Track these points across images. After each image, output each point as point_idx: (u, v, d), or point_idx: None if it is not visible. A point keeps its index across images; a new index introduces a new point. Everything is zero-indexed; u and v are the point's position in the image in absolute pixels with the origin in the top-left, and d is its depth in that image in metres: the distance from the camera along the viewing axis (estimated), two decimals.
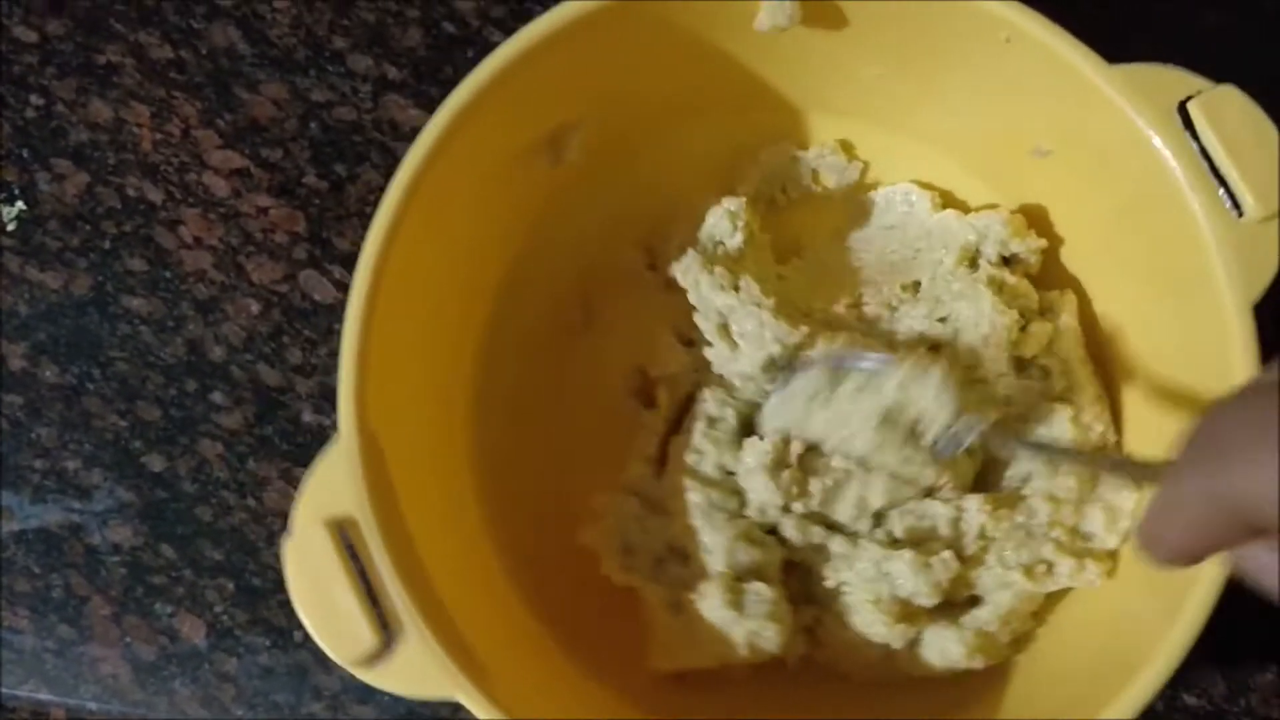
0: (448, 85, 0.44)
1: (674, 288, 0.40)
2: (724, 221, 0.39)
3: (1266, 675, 0.40)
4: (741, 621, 0.35)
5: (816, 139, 0.41)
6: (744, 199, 0.39)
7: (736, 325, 0.38)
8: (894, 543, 0.37)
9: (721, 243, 0.39)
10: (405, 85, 0.45)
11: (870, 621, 0.36)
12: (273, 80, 0.45)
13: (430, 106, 0.44)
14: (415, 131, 0.44)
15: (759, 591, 0.36)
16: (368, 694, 0.42)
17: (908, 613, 0.36)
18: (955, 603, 0.37)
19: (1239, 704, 0.40)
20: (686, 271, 0.39)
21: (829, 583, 0.37)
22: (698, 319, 0.39)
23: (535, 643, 0.37)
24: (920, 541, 0.37)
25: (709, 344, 0.39)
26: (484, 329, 0.39)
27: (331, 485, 0.32)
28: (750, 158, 0.41)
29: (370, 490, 0.32)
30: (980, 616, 0.37)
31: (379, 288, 0.33)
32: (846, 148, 0.41)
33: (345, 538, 0.32)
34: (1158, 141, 0.32)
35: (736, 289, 0.38)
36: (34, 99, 0.46)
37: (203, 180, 0.45)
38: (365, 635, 0.31)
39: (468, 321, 0.39)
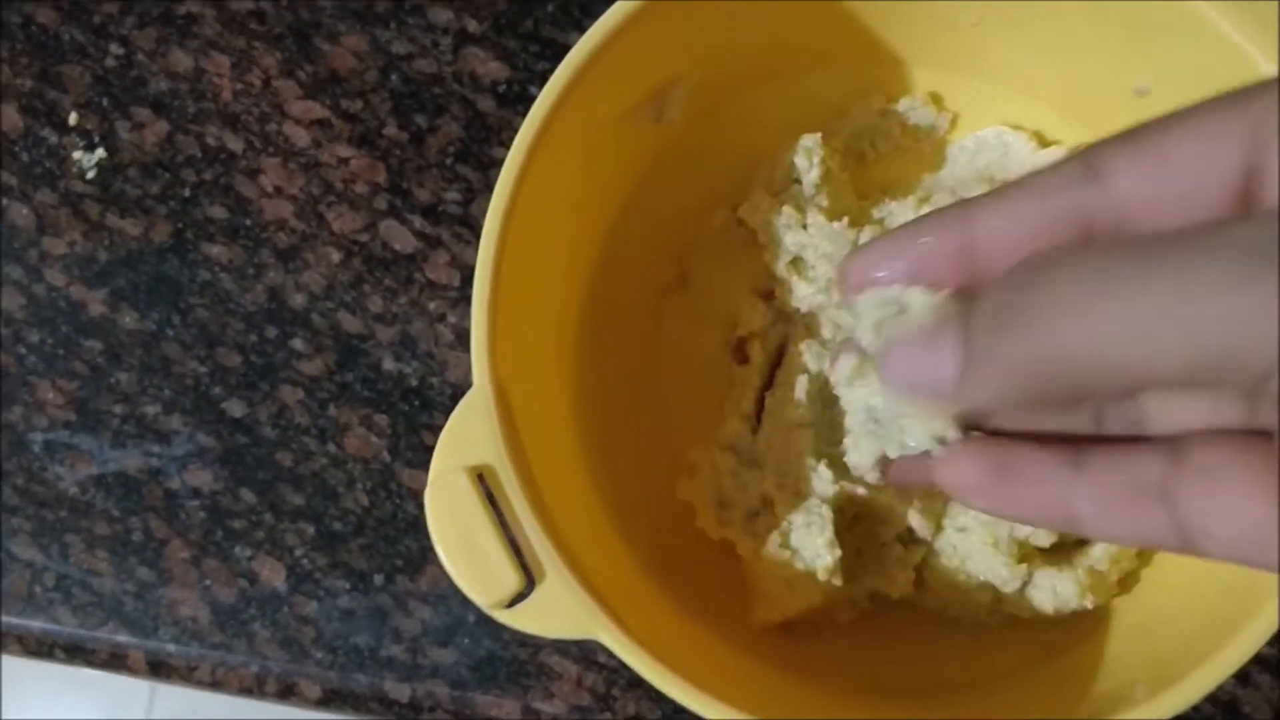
0: (527, 39, 0.45)
1: (755, 243, 0.41)
2: (800, 158, 0.39)
3: None
4: (830, 550, 0.36)
5: (907, 91, 0.41)
6: (819, 134, 0.40)
7: (809, 257, 0.39)
8: None
9: (798, 180, 0.40)
10: (485, 38, 0.45)
11: (990, 564, 0.36)
12: (353, 32, 0.45)
13: (510, 60, 0.45)
14: (495, 85, 0.45)
15: (823, 513, 0.36)
16: (447, 637, 0.42)
17: (1024, 554, 0.37)
18: (1065, 543, 0.38)
19: None
20: (754, 210, 0.40)
21: (945, 527, 0.37)
22: (768, 259, 0.40)
23: (645, 591, 0.37)
24: None
25: (786, 287, 0.40)
26: (587, 288, 0.40)
27: (465, 436, 0.33)
28: (841, 113, 0.41)
29: (505, 434, 0.33)
30: (1092, 554, 0.37)
31: (504, 246, 0.34)
32: (936, 100, 0.41)
33: (482, 485, 0.33)
34: (1271, 70, 0.32)
35: (805, 227, 0.39)
36: (114, 48, 0.46)
37: (283, 130, 0.45)
38: (508, 578, 0.32)
39: (573, 280, 0.39)
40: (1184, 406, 0.23)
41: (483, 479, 0.34)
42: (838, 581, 0.36)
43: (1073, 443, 0.23)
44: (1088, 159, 0.22)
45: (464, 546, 0.33)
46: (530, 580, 0.33)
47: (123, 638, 0.44)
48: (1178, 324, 0.18)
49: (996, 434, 0.25)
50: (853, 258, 0.25)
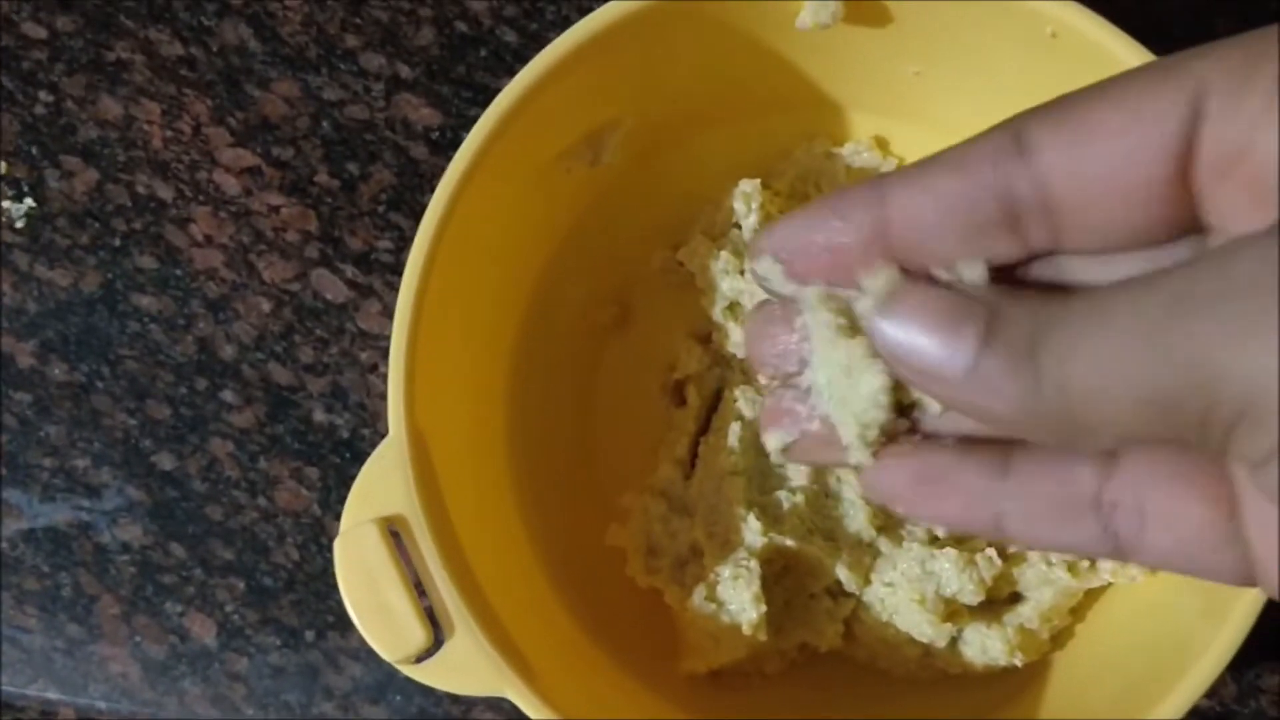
0: (460, 84, 0.45)
1: (694, 285, 0.40)
2: (739, 203, 0.39)
3: (1276, 677, 0.41)
4: (755, 605, 0.35)
5: (851, 136, 0.41)
6: (758, 180, 0.39)
7: (746, 302, 0.39)
8: (934, 541, 0.37)
9: (737, 225, 0.39)
10: (418, 84, 0.45)
11: (916, 621, 0.36)
12: (284, 78, 0.45)
13: (443, 106, 0.44)
14: (428, 131, 0.44)
15: (750, 566, 0.36)
16: (379, 694, 0.42)
17: (951, 611, 0.36)
18: (996, 600, 0.37)
19: (1249, 706, 0.41)
20: (693, 254, 0.40)
21: (873, 581, 0.37)
22: (705, 304, 0.39)
23: (572, 641, 0.37)
24: (962, 541, 0.37)
25: (723, 332, 0.39)
26: (520, 329, 0.39)
27: (380, 485, 0.33)
28: (784, 156, 0.41)
29: (420, 486, 0.32)
30: (1022, 613, 0.37)
31: (426, 290, 0.33)
32: (881, 144, 0.41)
33: (394, 537, 0.32)
34: None
35: (742, 273, 0.38)
36: (43, 95, 0.45)
37: (213, 178, 0.45)
38: (415, 633, 0.32)
39: (504, 322, 0.39)
40: None
41: (400, 532, 0.33)
42: (763, 636, 0.36)
43: (1002, 445, 0.22)
44: (1015, 130, 0.21)
45: (371, 600, 0.32)
46: (442, 635, 0.32)
47: (53, 695, 0.43)
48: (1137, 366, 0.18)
49: (927, 437, 0.23)
50: (774, 230, 0.23)
